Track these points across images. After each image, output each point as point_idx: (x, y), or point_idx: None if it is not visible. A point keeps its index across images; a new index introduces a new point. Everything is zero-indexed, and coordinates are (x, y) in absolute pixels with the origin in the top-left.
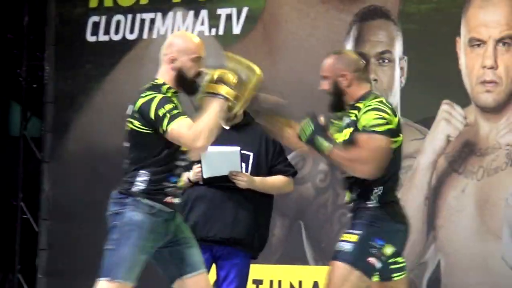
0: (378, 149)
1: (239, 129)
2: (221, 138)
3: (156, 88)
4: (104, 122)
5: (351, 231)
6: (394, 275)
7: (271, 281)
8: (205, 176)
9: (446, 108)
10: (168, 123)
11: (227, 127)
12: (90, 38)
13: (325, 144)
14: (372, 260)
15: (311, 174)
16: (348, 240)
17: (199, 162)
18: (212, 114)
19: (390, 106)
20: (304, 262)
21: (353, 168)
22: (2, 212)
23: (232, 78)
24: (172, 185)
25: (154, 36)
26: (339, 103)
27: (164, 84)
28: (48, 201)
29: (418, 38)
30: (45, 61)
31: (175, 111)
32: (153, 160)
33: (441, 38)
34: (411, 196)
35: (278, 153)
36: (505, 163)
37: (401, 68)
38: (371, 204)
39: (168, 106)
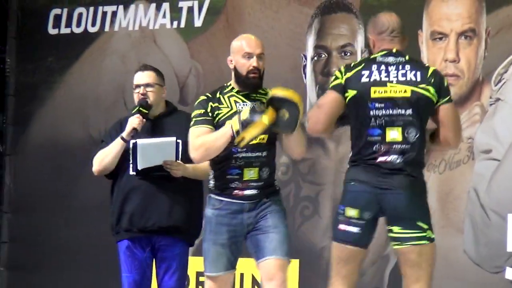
0: None
1: (164, 118)
2: (148, 129)
3: (219, 88)
4: (66, 115)
5: None
6: (392, 243)
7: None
8: (139, 168)
9: None
10: (190, 126)
11: (151, 118)
12: (52, 31)
13: None
14: (342, 226)
15: None
16: None
17: (132, 152)
18: (218, 136)
19: None
20: None
21: None
22: None
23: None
24: (234, 177)
25: (116, 29)
26: None
27: (229, 85)
28: (9, 194)
29: None
30: (7, 53)
31: (199, 118)
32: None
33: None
34: None
35: None
36: (467, 156)
37: None
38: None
39: (196, 112)
